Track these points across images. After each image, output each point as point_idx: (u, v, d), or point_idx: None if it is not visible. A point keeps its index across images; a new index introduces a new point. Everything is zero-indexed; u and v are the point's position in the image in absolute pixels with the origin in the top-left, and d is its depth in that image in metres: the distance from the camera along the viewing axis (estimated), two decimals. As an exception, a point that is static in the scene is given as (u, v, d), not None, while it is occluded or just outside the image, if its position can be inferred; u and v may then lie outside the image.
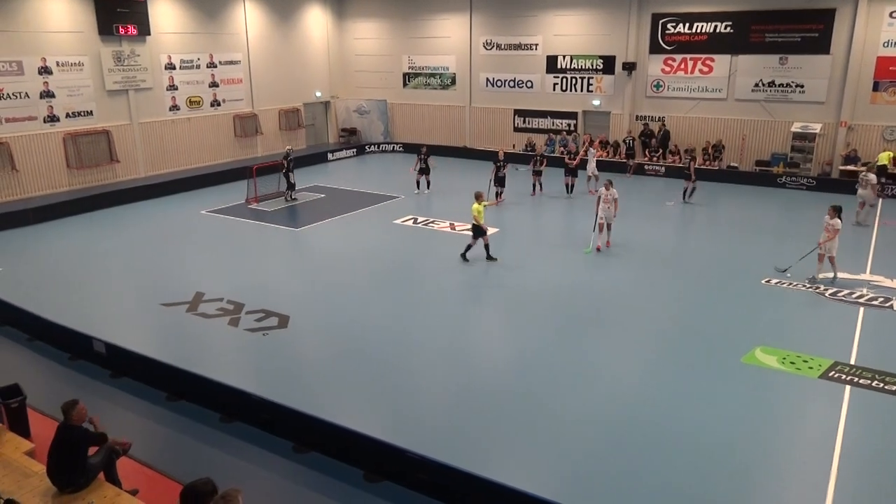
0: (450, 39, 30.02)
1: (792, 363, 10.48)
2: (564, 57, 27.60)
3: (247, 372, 10.42)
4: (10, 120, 20.56)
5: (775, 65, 23.79)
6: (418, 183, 22.66)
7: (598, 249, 16.09)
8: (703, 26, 24.72)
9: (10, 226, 18.52)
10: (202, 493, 5.23)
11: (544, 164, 21.90)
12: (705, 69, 25.07)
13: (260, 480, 7.81)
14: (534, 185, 22.21)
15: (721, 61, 24.69)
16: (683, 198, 21.16)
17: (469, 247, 15.38)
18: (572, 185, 21.96)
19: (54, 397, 9.45)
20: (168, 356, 10.06)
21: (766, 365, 10.46)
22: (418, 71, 31.27)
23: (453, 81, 30.48)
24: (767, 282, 13.98)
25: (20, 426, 8.40)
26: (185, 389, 9.56)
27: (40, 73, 21.13)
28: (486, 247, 15.41)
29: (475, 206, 15.11)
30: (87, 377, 10.30)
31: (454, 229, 18.10)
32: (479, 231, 15.21)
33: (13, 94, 20.53)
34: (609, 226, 16.29)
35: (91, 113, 22.68)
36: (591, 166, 22.39)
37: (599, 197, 16.10)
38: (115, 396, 9.71)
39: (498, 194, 20.75)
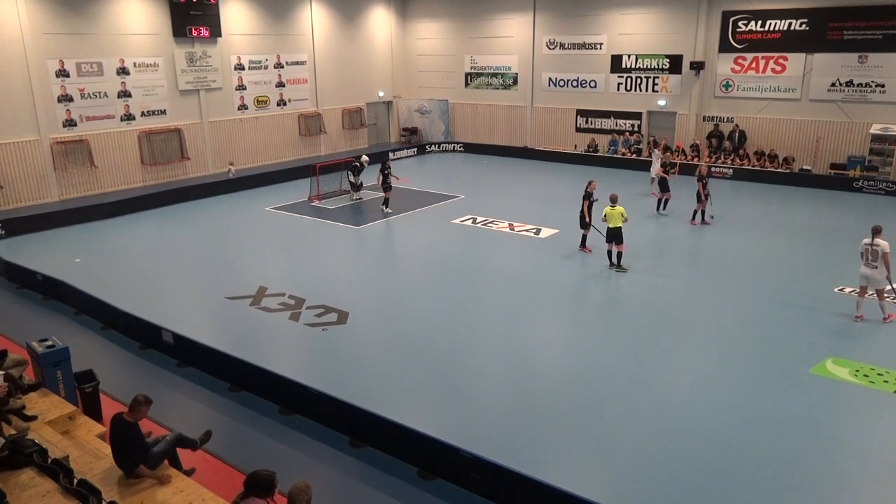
0: (512, 39, 29.88)
1: (866, 376, 9.98)
2: (629, 56, 27.06)
3: (306, 366, 10.63)
4: (90, 118, 21.57)
5: (854, 63, 22.71)
6: (387, 202, 20.23)
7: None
8: (776, 24, 23.81)
9: (88, 219, 19.47)
10: (264, 484, 5.37)
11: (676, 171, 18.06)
12: (778, 68, 24.15)
13: (316, 472, 7.94)
14: (694, 212, 18.55)
15: (795, 60, 23.74)
16: None
17: (610, 252, 14.79)
18: (666, 202, 19.53)
19: (125, 384, 9.92)
20: (231, 348, 10.37)
21: (837, 377, 10.00)
22: (480, 71, 31.25)
23: (515, 81, 30.32)
24: (841, 290, 13.36)
25: (93, 410, 8.82)
26: (247, 380, 9.83)
27: (118, 73, 22.11)
28: (619, 255, 14.66)
29: (620, 209, 14.34)
30: (156, 365, 10.72)
31: (513, 230, 18.01)
32: (620, 237, 14.49)
33: (93, 94, 21.54)
34: (882, 294, 11.69)
35: (164, 112, 23.57)
36: (656, 168, 21.87)
37: (863, 252, 11.69)
38: (181, 385, 10.06)
39: (584, 239, 16.16)
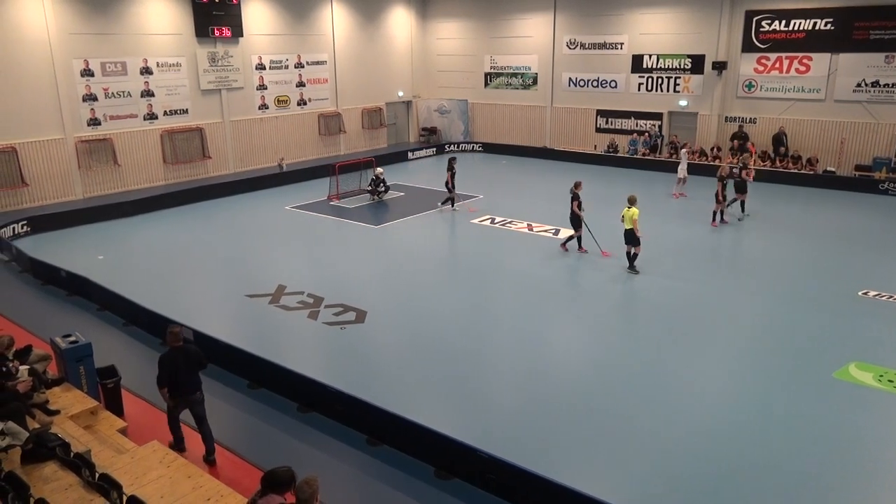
0: (532, 39, 29.79)
1: (890, 381, 9.81)
2: (651, 56, 26.86)
3: (324, 364, 10.68)
4: (114, 118, 21.88)
5: (880, 63, 22.33)
6: (452, 201, 20.40)
7: None
8: (801, 23, 23.49)
9: (112, 217, 19.71)
10: (282, 482, 5.38)
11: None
12: (802, 68, 23.83)
13: (334, 470, 7.98)
14: (714, 213, 18.30)
15: (820, 60, 23.41)
16: None
17: (629, 254, 14.56)
18: (742, 203, 18.78)
19: (147, 379, 9.96)
20: (250, 345, 10.44)
21: (860, 382, 9.85)
22: (500, 71, 31.19)
23: (535, 81, 30.22)
24: (865, 293, 13.15)
25: (115, 405, 8.92)
26: (265, 378, 9.89)
27: (142, 73, 22.39)
28: (634, 256, 14.43)
29: (635, 210, 14.10)
30: (176, 362, 10.80)
31: (531, 230, 17.95)
32: (633, 239, 14.30)
33: (117, 94, 21.84)
34: None
35: (186, 111, 23.83)
36: (683, 169, 21.61)
37: None
38: (201, 382, 10.14)
39: (579, 241, 16.03)
